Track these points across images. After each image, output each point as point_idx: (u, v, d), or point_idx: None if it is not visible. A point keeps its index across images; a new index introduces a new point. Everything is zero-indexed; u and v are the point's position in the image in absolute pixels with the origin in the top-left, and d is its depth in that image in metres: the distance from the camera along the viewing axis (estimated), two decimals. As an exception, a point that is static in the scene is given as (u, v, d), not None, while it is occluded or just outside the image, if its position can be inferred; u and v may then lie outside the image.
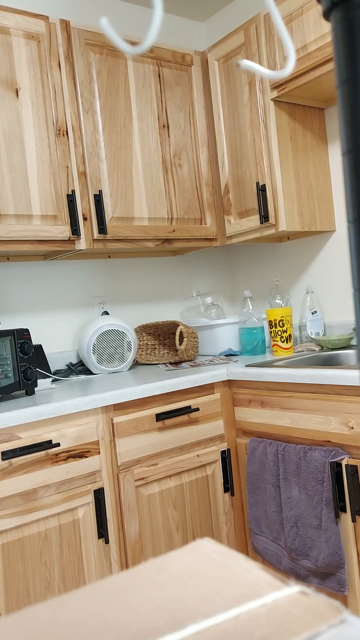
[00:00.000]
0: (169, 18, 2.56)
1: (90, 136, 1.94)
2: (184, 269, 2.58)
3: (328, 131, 2.20)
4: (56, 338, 2.19)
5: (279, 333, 2.05)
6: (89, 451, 1.56)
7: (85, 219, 1.92)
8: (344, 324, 2.20)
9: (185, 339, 2.14)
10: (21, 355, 1.64)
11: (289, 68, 0.47)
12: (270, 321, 2.07)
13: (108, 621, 0.36)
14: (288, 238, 2.39)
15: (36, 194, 1.81)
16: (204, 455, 1.80)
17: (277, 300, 2.22)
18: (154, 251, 2.43)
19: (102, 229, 1.93)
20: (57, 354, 2.16)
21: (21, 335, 1.65)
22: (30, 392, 1.71)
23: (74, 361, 2.20)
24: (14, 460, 1.42)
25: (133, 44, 2.04)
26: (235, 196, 2.18)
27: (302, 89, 1.97)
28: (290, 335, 2.06)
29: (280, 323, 2.05)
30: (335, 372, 1.52)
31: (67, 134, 1.89)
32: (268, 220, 2.04)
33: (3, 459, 1.40)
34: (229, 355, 2.24)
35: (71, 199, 1.87)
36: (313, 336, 2.18)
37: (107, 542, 1.57)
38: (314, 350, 2.08)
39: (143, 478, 1.66)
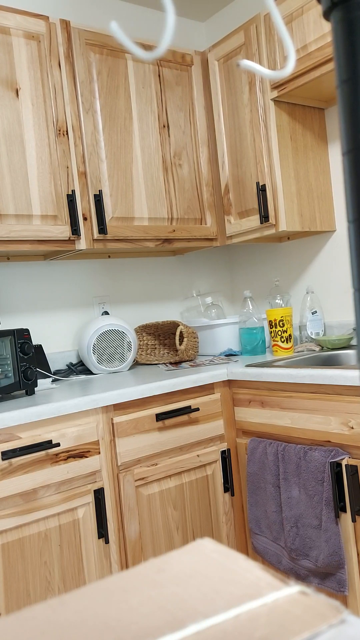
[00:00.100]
0: (169, 18, 2.56)
1: (91, 136, 1.94)
2: (184, 269, 2.58)
3: (328, 131, 2.20)
4: (56, 338, 2.19)
5: (279, 333, 2.05)
6: (89, 451, 1.56)
7: (85, 219, 1.92)
8: (344, 324, 2.20)
9: (185, 339, 2.14)
10: (21, 355, 1.64)
11: (289, 68, 0.47)
12: (270, 321, 2.07)
13: (108, 621, 0.36)
14: (288, 238, 2.39)
15: (36, 193, 1.81)
16: (204, 455, 1.80)
17: (277, 300, 2.22)
18: (154, 251, 2.43)
19: (102, 229, 1.93)
20: (57, 354, 2.16)
21: (21, 335, 1.65)
22: (30, 392, 1.71)
23: (74, 361, 2.20)
24: (14, 460, 1.42)
25: (137, 45, 2.03)
26: (235, 196, 2.18)
27: (302, 89, 1.97)
28: (290, 335, 2.06)
29: (281, 323, 2.05)
30: (335, 372, 1.52)
31: (67, 133, 1.89)
32: (268, 220, 2.04)
33: (3, 459, 1.40)
34: (229, 355, 2.24)
35: (71, 199, 1.87)
36: (313, 336, 2.18)
37: (107, 542, 1.57)
38: (314, 350, 2.08)
39: (143, 478, 1.66)
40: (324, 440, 1.58)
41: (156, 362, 2.27)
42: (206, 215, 2.24)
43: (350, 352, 1.99)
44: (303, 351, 2.10)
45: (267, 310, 2.08)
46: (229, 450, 1.85)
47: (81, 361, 2.19)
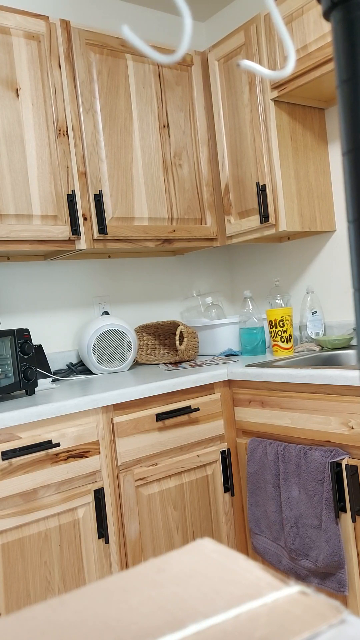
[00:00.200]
0: (169, 18, 2.56)
1: (91, 136, 1.94)
2: (184, 269, 2.58)
3: (328, 131, 2.20)
4: (56, 338, 2.19)
5: (279, 333, 2.05)
6: (89, 451, 1.56)
7: (85, 219, 1.92)
8: (344, 324, 2.20)
9: (185, 339, 2.14)
10: (21, 355, 1.64)
11: (289, 68, 0.47)
12: (270, 321, 2.07)
13: (108, 621, 0.36)
14: (288, 238, 2.39)
15: (36, 194, 1.81)
16: (204, 455, 1.80)
17: (277, 300, 2.22)
18: (154, 251, 2.43)
19: (102, 229, 1.93)
20: (57, 354, 2.16)
21: (21, 335, 1.65)
22: (30, 392, 1.71)
23: (74, 361, 2.20)
24: (14, 460, 1.42)
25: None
26: (235, 196, 2.18)
27: (303, 89, 1.97)
28: (290, 335, 2.06)
29: (281, 323, 2.05)
30: (335, 372, 1.52)
31: (67, 133, 1.89)
32: (268, 220, 2.04)
33: (3, 459, 1.40)
34: (229, 355, 2.24)
35: (71, 199, 1.87)
36: (313, 336, 2.18)
37: (107, 542, 1.57)
38: (314, 350, 2.08)
39: (143, 478, 1.66)
40: (324, 440, 1.58)
41: (156, 362, 2.27)
42: (206, 215, 2.24)
43: (350, 352, 1.99)
44: (303, 351, 2.10)
45: (267, 310, 2.08)
46: (229, 450, 1.85)
47: (81, 361, 2.19)
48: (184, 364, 2.10)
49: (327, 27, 1.77)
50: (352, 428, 1.49)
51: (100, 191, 1.94)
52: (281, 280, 2.46)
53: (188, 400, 1.77)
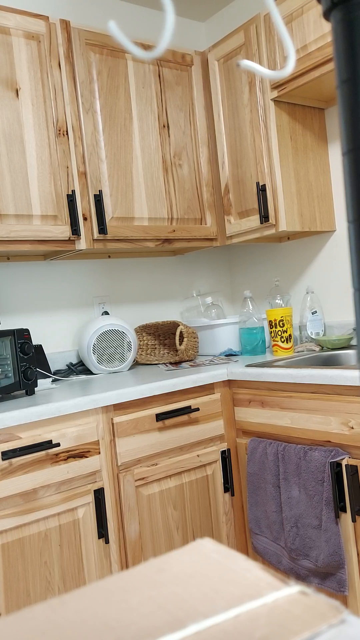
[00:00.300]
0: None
1: (91, 136, 1.94)
2: (184, 269, 2.58)
3: (328, 131, 2.20)
4: (56, 338, 2.19)
5: (279, 333, 2.05)
6: (89, 451, 1.56)
7: (85, 219, 1.92)
8: (344, 324, 2.20)
9: (185, 339, 2.14)
10: (21, 355, 1.64)
11: (289, 68, 0.47)
12: (270, 321, 2.07)
13: (108, 621, 0.36)
14: (288, 238, 2.39)
15: (36, 194, 1.81)
16: (204, 455, 1.80)
17: (277, 300, 2.22)
18: (154, 251, 2.43)
19: (102, 229, 1.93)
20: (57, 354, 2.16)
21: (21, 335, 1.65)
22: (30, 392, 1.71)
23: (74, 361, 2.20)
24: (14, 460, 1.42)
25: (136, 45, 2.03)
26: (235, 196, 2.18)
27: (302, 89, 1.97)
28: (290, 335, 2.06)
29: (281, 323, 2.05)
30: (335, 372, 1.52)
31: (67, 134, 1.89)
32: (268, 220, 2.04)
33: (3, 459, 1.40)
34: (229, 355, 2.24)
35: (71, 199, 1.87)
36: (313, 336, 2.18)
37: (107, 542, 1.57)
38: (314, 350, 2.08)
39: (143, 478, 1.66)
40: (324, 440, 1.58)
41: (156, 362, 2.27)
42: (206, 215, 2.24)
43: (350, 352, 1.99)
44: (303, 351, 2.10)
45: (267, 310, 2.08)
46: (229, 450, 1.85)
47: (81, 361, 2.19)
48: (184, 364, 2.10)
49: (327, 27, 1.77)
50: (352, 428, 1.49)
51: (100, 191, 1.94)
52: (281, 280, 2.46)
53: (188, 400, 1.77)
